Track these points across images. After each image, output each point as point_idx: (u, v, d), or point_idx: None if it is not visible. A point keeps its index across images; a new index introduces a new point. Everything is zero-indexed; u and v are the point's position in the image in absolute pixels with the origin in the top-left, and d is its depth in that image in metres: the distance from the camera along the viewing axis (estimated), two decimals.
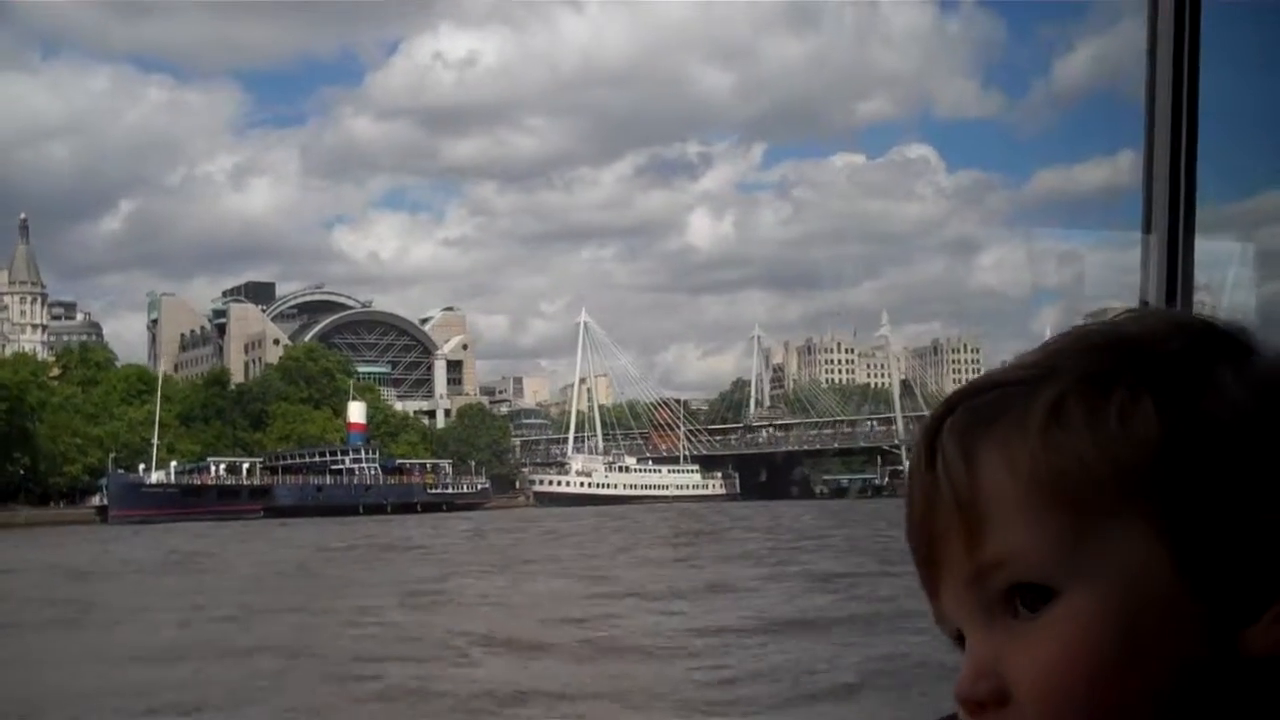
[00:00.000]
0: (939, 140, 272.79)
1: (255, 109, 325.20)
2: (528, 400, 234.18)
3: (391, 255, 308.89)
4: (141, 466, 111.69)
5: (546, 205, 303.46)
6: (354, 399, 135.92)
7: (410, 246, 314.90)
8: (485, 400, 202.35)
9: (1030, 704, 0.78)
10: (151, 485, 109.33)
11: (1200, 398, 0.78)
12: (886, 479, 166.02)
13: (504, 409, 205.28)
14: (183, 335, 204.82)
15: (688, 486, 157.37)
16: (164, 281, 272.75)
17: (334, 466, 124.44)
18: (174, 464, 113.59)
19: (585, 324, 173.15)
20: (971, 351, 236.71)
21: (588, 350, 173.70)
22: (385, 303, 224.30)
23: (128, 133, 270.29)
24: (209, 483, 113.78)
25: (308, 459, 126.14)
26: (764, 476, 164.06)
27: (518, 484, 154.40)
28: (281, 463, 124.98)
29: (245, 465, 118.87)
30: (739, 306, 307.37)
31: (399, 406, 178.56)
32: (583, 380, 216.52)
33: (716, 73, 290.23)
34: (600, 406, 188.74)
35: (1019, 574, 0.79)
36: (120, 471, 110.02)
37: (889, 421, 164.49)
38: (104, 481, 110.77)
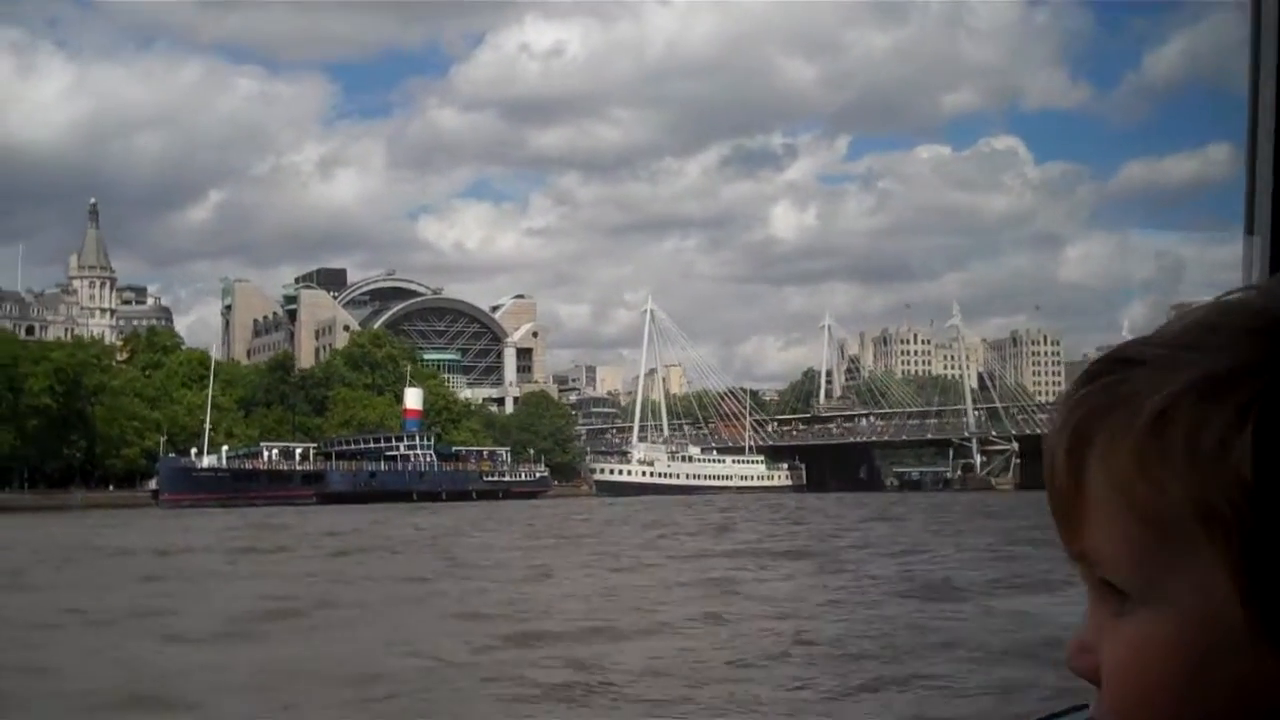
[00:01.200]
0: (1026, 132, 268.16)
1: (343, 100, 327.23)
2: (600, 390, 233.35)
3: (476, 245, 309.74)
4: (194, 451, 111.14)
5: (630, 195, 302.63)
6: (411, 385, 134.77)
7: (494, 236, 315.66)
8: (555, 389, 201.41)
9: (1106, 696, 0.81)
10: (202, 470, 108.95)
11: None
12: (959, 472, 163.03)
13: (573, 397, 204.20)
14: (255, 321, 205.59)
15: (753, 477, 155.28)
16: (250, 270, 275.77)
17: (388, 453, 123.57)
18: (225, 448, 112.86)
19: (651, 312, 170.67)
20: (1052, 344, 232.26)
21: (655, 340, 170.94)
22: (460, 291, 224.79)
23: (218, 123, 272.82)
24: (261, 468, 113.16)
25: (362, 445, 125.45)
26: (832, 468, 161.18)
27: (581, 473, 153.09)
28: (335, 449, 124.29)
29: (299, 450, 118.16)
30: (821, 297, 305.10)
31: (468, 393, 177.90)
32: (653, 370, 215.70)
33: (802, 64, 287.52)
34: (672, 396, 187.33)
35: (1107, 574, 0.81)
36: (171, 455, 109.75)
37: (960, 414, 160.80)
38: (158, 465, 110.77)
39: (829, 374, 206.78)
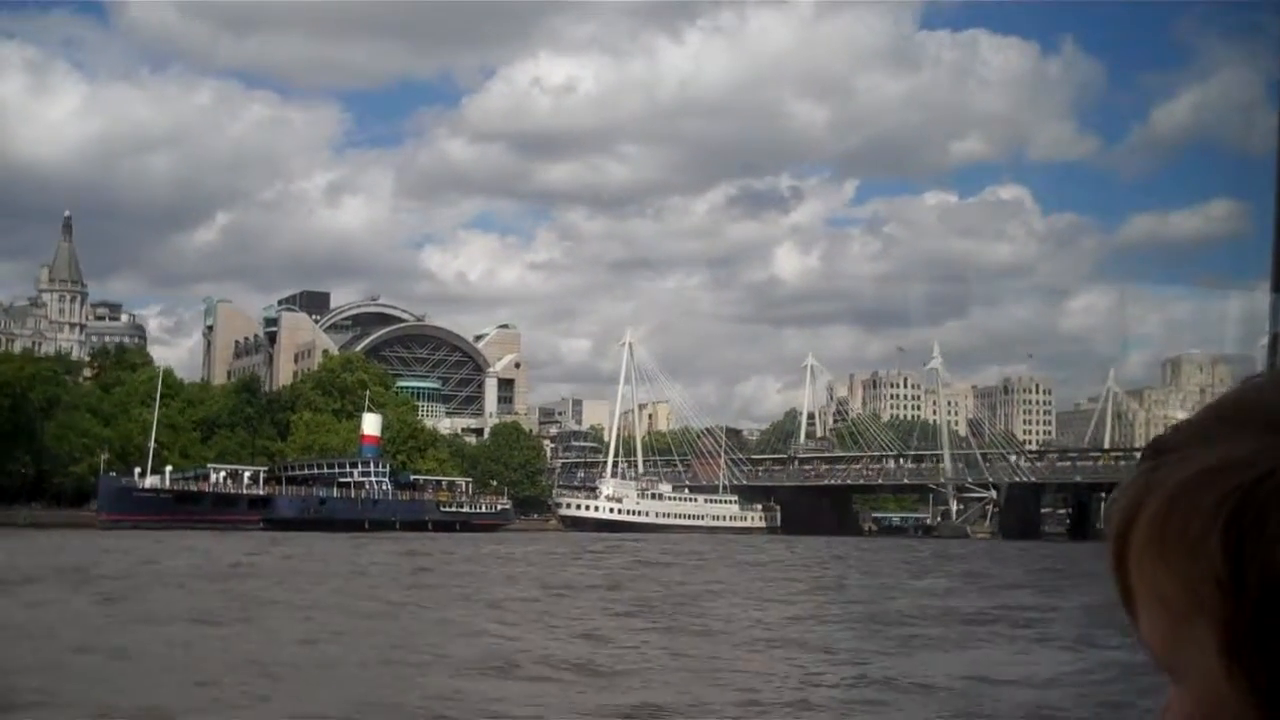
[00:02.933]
0: (1034, 182, 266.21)
1: (354, 128, 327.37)
2: (587, 424, 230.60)
3: (478, 276, 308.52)
4: (137, 470, 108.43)
5: (635, 232, 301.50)
6: (370, 410, 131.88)
7: (497, 268, 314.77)
8: (537, 421, 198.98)
9: None
10: (143, 490, 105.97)
11: (1267, 541, 0.79)
12: (938, 519, 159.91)
13: (553, 430, 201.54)
14: (237, 343, 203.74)
15: (724, 517, 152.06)
16: (253, 295, 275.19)
17: (342, 479, 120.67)
18: (169, 469, 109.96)
19: (630, 346, 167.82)
20: (1043, 393, 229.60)
21: (634, 375, 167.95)
22: (464, 323, 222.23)
23: (228, 147, 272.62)
24: (206, 490, 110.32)
25: (314, 470, 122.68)
26: (808, 510, 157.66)
27: (551, 507, 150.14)
28: (287, 473, 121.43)
29: (247, 473, 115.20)
30: (822, 340, 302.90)
31: (447, 423, 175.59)
32: (642, 406, 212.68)
33: (812, 107, 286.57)
34: (656, 433, 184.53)
35: (1151, 650, 0.88)
36: (111, 475, 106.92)
37: (938, 459, 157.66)
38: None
39: (812, 415, 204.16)
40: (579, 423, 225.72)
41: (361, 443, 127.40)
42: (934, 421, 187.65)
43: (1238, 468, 0.81)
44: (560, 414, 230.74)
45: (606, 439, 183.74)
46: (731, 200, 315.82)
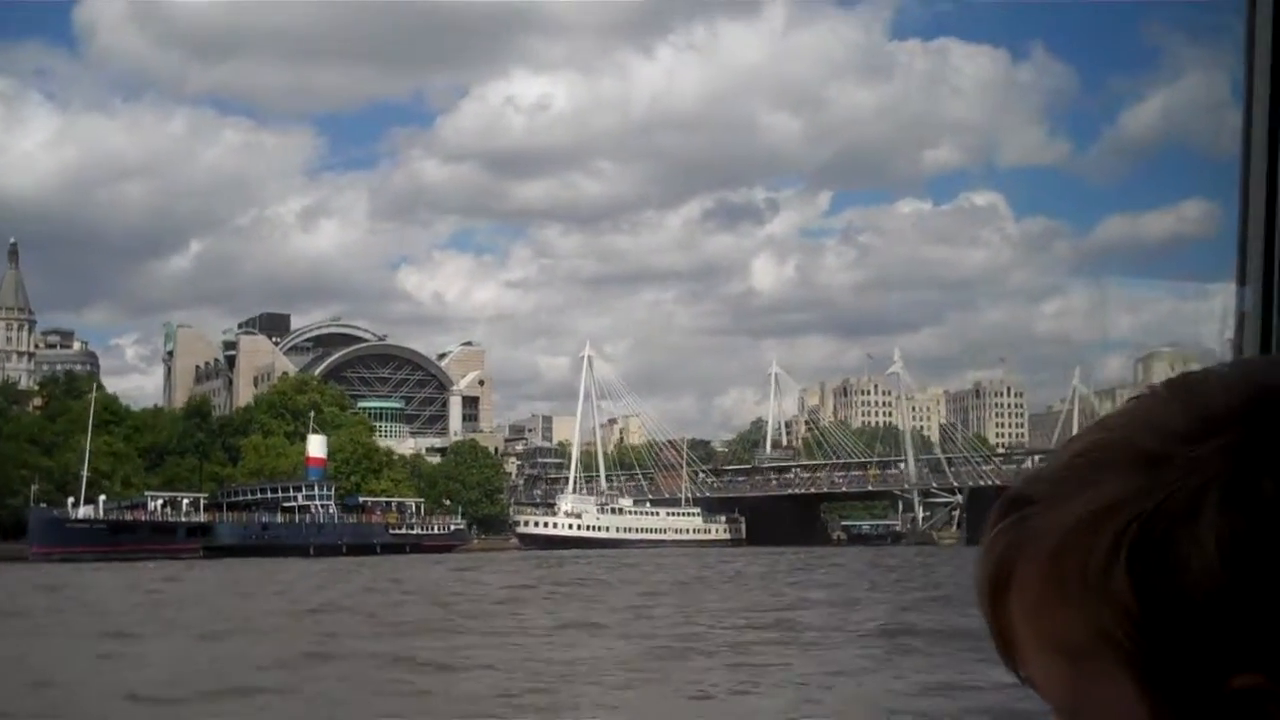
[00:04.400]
0: (1006, 187, 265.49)
1: (328, 151, 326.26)
2: (556, 440, 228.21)
3: (455, 296, 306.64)
4: (70, 500, 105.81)
5: (610, 248, 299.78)
6: (315, 431, 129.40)
7: (473, 288, 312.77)
8: (501, 439, 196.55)
9: None
10: (76, 521, 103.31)
11: (1173, 571, 0.80)
12: (908, 526, 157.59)
13: (519, 447, 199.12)
14: (198, 367, 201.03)
15: (687, 530, 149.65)
16: (229, 319, 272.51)
17: (286, 503, 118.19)
18: (103, 499, 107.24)
19: (589, 359, 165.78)
20: (1015, 396, 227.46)
21: (594, 389, 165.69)
22: (443, 344, 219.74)
23: (202, 173, 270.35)
24: (142, 519, 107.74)
25: (257, 495, 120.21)
26: (774, 521, 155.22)
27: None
28: (228, 499, 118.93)
29: (185, 501, 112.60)
30: (799, 350, 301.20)
31: (411, 443, 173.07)
32: (613, 421, 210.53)
33: (785, 119, 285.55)
34: (625, 447, 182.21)
35: (1046, 701, 0.88)
36: (42, 506, 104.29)
37: (901, 464, 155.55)
38: None
39: (787, 425, 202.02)
40: (549, 439, 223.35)
41: (307, 465, 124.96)
42: (907, 428, 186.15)
43: (1125, 505, 0.82)
44: (530, 431, 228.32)
45: (573, 453, 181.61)
46: (707, 213, 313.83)
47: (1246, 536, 0.79)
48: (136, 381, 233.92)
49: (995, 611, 0.88)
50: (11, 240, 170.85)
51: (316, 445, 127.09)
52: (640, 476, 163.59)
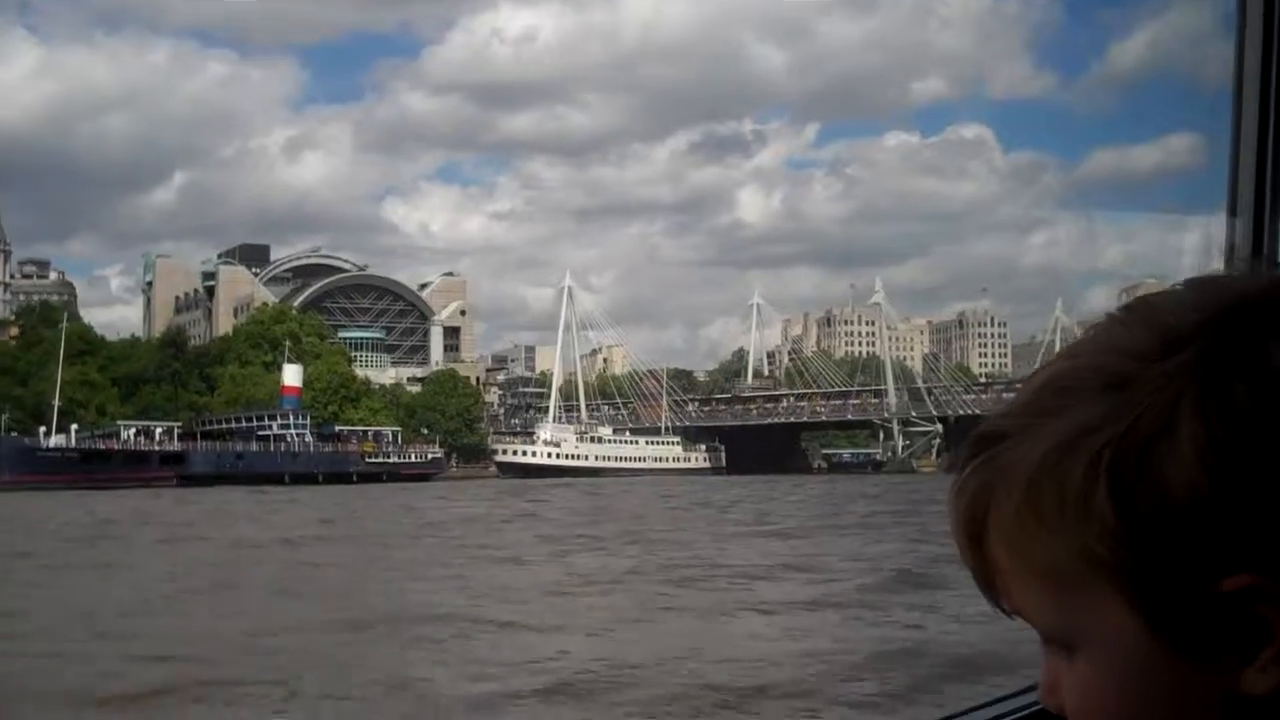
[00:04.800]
0: (994, 120, 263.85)
1: (312, 84, 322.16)
2: (539, 370, 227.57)
3: (441, 228, 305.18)
4: (43, 429, 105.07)
5: (598, 180, 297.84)
6: (291, 361, 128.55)
7: (460, 220, 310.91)
8: (483, 368, 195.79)
9: None
10: (48, 449, 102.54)
11: (1154, 483, 0.81)
12: (889, 455, 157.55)
13: (501, 377, 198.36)
14: (177, 298, 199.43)
15: (667, 459, 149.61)
16: (215, 251, 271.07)
17: (261, 432, 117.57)
18: (75, 427, 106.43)
19: (569, 289, 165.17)
20: (998, 326, 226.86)
21: (574, 320, 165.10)
22: (432, 275, 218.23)
23: (186, 106, 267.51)
24: (115, 448, 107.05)
25: (231, 424, 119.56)
26: (755, 450, 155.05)
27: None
28: (203, 427, 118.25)
29: (159, 430, 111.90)
30: (786, 282, 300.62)
31: (392, 373, 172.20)
32: (596, 350, 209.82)
33: (773, 51, 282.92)
34: (608, 377, 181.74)
35: (1038, 629, 0.90)
36: (13, 434, 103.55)
37: (882, 394, 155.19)
38: None
39: (770, 355, 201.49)
40: (532, 369, 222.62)
41: (282, 394, 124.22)
42: (891, 358, 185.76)
43: (1099, 428, 0.82)
44: (513, 361, 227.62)
45: (562, 386, 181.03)
46: (694, 146, 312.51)
47: (1224, 442, 0.79)
48: (122, 313, 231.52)
49: (973, 549, 0.89)
50: None
51: (292, 374, 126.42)
52: (621, 406, 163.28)
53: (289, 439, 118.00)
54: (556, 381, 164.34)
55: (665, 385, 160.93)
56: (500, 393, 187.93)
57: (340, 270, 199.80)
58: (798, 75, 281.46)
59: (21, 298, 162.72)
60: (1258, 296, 0.84)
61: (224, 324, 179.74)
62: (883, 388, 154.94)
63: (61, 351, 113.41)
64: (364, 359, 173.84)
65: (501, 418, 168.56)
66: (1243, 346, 0.81)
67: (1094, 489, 0.82)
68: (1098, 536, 0.82)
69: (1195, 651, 0.81)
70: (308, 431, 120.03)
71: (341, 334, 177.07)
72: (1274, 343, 0.82)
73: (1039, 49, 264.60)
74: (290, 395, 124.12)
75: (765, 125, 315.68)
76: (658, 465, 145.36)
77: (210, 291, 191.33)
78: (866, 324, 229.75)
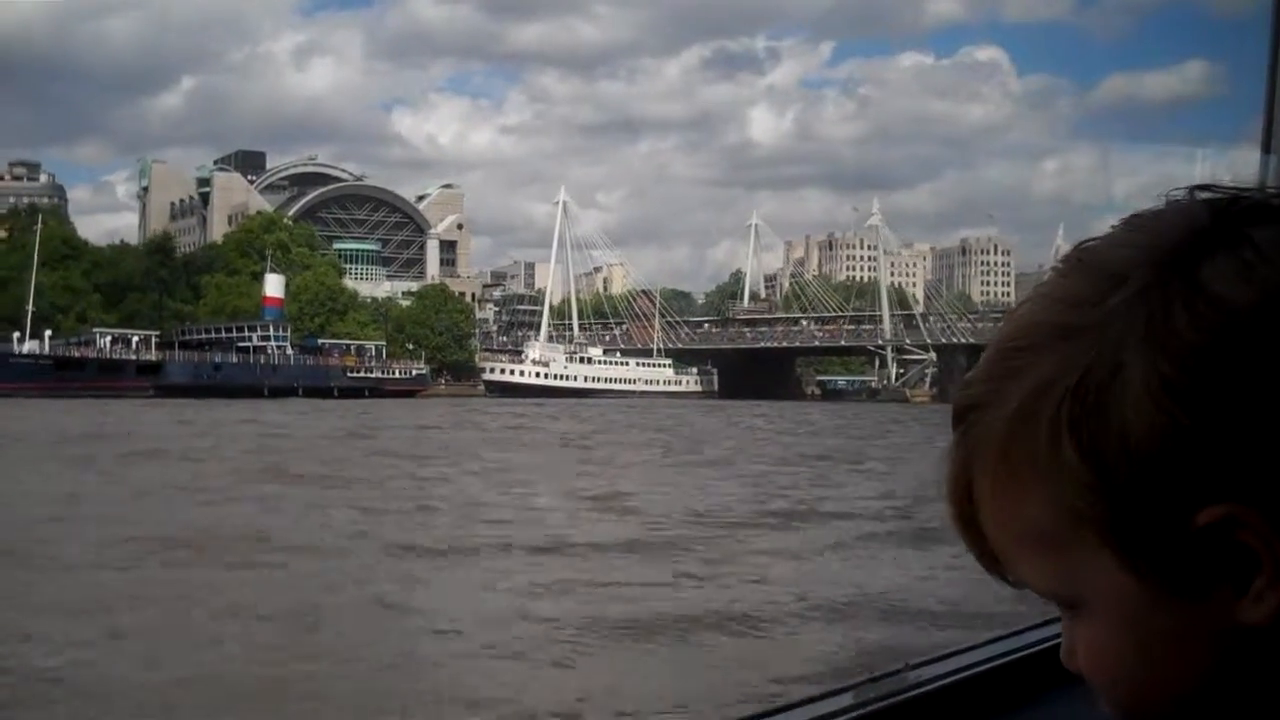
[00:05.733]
0: (1009, 42, 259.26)
1: None
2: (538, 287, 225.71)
3: (449, 140, 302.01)
4: (16, 335, 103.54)
5: (607, 95, 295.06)
6: (271, 271, 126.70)
7: (468, 132, 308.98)
8: (479, 284, 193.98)
9: (1100, 695, 0.87)
10: (20, 356, 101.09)
11: (1114, 430, 0.80)
12: (884, 383, 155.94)
13: (497, 293, 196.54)
14: (172, 204, 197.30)
15: (658, 381, 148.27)
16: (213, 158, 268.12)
17: (240, 344, 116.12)
18: (49, 334, 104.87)
19: (564, 204, 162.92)
20: (1002, 254, 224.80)
21: (569, 237, 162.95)
22: (432, 186, 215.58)
23: (194, 8, 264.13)
24: (90, 356, 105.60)
25: (210, 334, 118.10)
26: (748, 374, 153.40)
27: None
28: (182, 338, 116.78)
29: (135, 338, 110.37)
30: (795, 204, 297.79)
31: (388, 285, 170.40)
32: (598, 269, 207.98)
33: None
34: (606, 296, 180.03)
35: (1042, 593, 0.87)
36: None
37: (876, 320, 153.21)
38: None
39: (770, 278, 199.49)
40: (531, 287, 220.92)
41: (263, 305, 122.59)
42: (895, 283, 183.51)
43: (1054, 382, 0.82)
44: (513, 278, 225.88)
45: (554, 302, 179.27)
46: (705, 62, 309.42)
47: (1174, 377, 0.79)
48: (129, 219, 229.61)
49: (967, 528, 0.89)
50: None
51: (274, 285, 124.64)
52: (614, 327, 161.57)
53: (269, 351, 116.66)
54: (549, 299, 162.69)
55: (659, 306, 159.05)
56: (496, 310, 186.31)
57: (337, 179, 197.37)
58: None
59: (11, 200, 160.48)
60: (1193, 225, 0.83)
61: (218, 232, 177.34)
62: (877, 314, 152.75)
63: (36, 255, 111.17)
64: (359, 271, 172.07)
65: (494, 334, 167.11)
66: (1179, 276, 0.80)
67: (1059, 445, 0.81)
68: (1073, 492, 0.81)
69: (1188, 591, 0.81)
70: (288, 344, 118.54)
71: (336, 245, 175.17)
72: (1210, 269, 0.80)
73: None
74: (272, 306, 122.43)
75: (779, 42, 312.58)
76: (648, 388, 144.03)
77: (205, 199, 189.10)
78: (868, 248, 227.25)
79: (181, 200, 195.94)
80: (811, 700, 2.01)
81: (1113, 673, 0.85)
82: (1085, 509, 0.81)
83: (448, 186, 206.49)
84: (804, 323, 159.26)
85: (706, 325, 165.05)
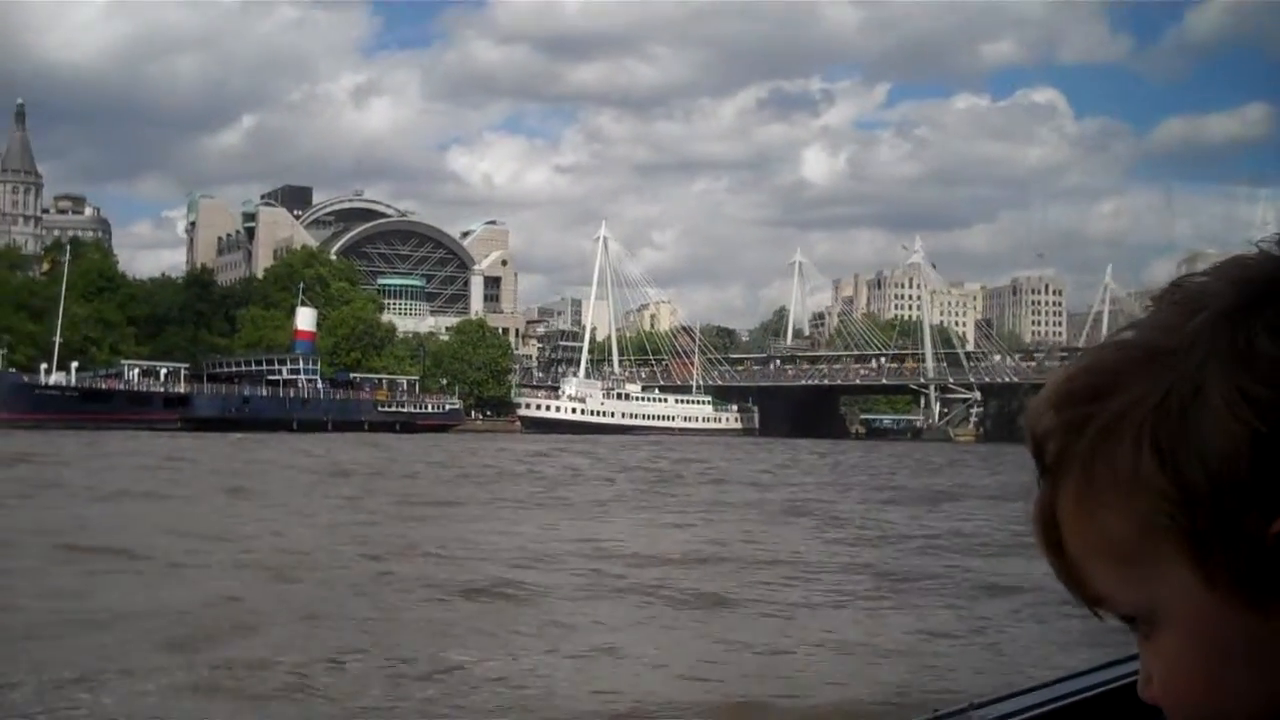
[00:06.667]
0: (1066, 85, 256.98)
1: (383, 30, 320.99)
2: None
3: (505, 178, 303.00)
4: (44, 367, 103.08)
5: (663, 135, 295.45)
6: (307, 305, 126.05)
7: (524, 171, 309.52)
8: (524, 320, 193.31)
9: (1168, 714, 0.88)
10: (47, 388, 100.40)
11: (1195, 445, 0.82)
12: (928, 422, 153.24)
13: (541, 329, 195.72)
14: (219, 239, 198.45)
15: (697, 419, 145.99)
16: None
17: (270, 376, 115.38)
18: (74, 365, 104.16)
19: (605, 240, 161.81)
20: (1053, 293, 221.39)
21: (609, 273, 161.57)
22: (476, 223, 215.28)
23: (256, 49, 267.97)
24: (118, 388, 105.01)
25: (240, 367, 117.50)
26: (790, 412, 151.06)
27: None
28: (212, 370, 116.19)
29: (164, 370, 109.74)
30: (848, 244, 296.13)
31: (431, 321, 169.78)
32: (644, 306, 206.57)
33: (844, 9, 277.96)
34: (648, 333, 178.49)
35: (1119, 611, 0.89)
36: (12, 371, 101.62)
37: (920, 358, 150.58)
38: None
39: (819, 316, 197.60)
40: (577, 323, 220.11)
41: (294, 338, 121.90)
42: (942, 322, 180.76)
43: (1139, 402, 0.84)
44: (559, 314, 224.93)
45: (598, 338, 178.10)
46: (761, 103, 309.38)
47: (1252, 388, 0.81)
48: (184, 255, 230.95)
49: (1052, 548, 0.90)
50: (19, 101, 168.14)
51: (305, 318, 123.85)
52: (655, 363, 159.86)
53: (299, 384, 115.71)
54: (587, 335, 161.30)
55: (699, 343, 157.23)
56: (540, 346, 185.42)
57: (382, 215, 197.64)
58: (869, 34, 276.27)
59: (56, 232, 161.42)
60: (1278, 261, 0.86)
61: (263, 267, 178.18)
62: (920, 352, 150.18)
63: (64, 287, 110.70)
64: (402, 306, 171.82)
65: (535, 370, 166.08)
66: (1263, 301, 0.83)
67: (1140, 458, 0.83)
68: (1153, 507, 0.83)
69: (1265, 603, 0.82)
70: (318, 377, 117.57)
71: (380, 280, 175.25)
72: None
73: (1114, 12, 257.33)
74: (303, 340, 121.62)
75: (834, 84, 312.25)
76: (686, 425, 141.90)
77: (251, 233, 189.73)
78: (917, 287, 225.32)
79: (228, 235, 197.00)
80: None
81: (1187, 693, 0.86)
82: (1164, 521, 0.83)
83: (492, 223, 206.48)
84: (845, 360, 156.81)
85: (747, 362, 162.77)
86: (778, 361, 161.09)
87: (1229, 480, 0.80)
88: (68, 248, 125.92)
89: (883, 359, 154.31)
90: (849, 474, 55.68)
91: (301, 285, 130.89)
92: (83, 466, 43.39)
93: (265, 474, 43.36)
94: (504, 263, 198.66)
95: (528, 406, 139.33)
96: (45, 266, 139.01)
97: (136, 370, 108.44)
